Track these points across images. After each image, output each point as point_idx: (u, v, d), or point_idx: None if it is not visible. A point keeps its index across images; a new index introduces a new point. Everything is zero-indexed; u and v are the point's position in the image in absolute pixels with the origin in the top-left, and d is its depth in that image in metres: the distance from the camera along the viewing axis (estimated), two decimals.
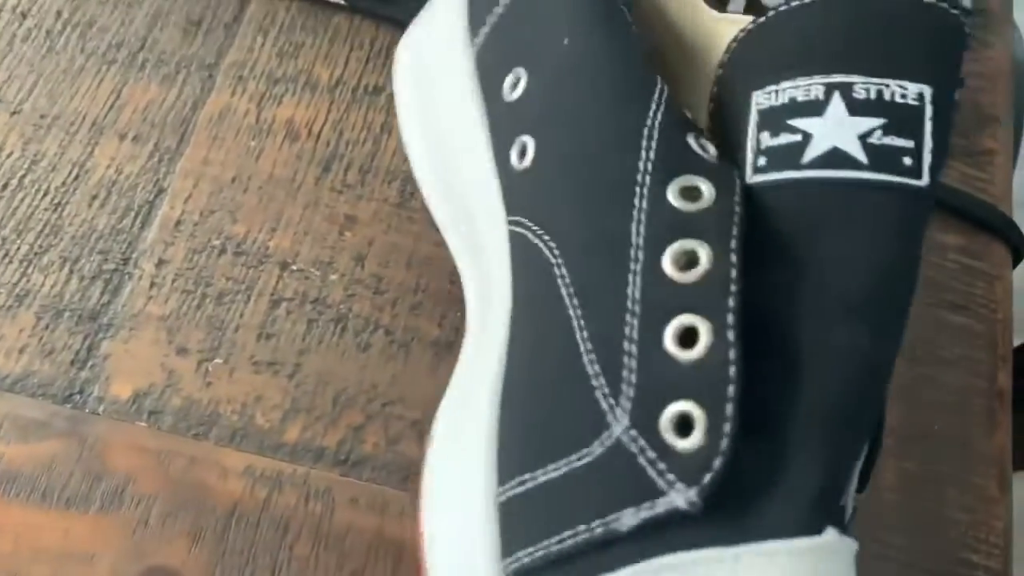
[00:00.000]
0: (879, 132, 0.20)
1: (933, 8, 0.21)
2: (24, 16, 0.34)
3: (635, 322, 0.20)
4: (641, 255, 0.21)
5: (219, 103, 0.32)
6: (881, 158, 0.20)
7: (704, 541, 0.19)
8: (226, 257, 0.30)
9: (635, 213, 0.21)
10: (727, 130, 0.23)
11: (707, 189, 0.21)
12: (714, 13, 0.26)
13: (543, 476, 0.21)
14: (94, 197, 0.31)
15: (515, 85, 0.25)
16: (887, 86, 0.21)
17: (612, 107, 0.23)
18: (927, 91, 0.21)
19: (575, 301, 0.22)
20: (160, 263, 0.30)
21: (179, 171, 0.31)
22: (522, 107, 0.24)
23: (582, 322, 0.21)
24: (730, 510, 0.19)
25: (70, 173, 0.31)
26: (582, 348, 0.21)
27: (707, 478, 0.19)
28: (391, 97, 0.33)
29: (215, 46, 0.34)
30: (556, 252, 0.22)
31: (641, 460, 0.20)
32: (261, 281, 0.30)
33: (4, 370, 0.28)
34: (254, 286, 0.30)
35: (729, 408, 0.19)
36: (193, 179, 0.31)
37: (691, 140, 0.22)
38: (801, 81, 0.21)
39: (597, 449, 0.20)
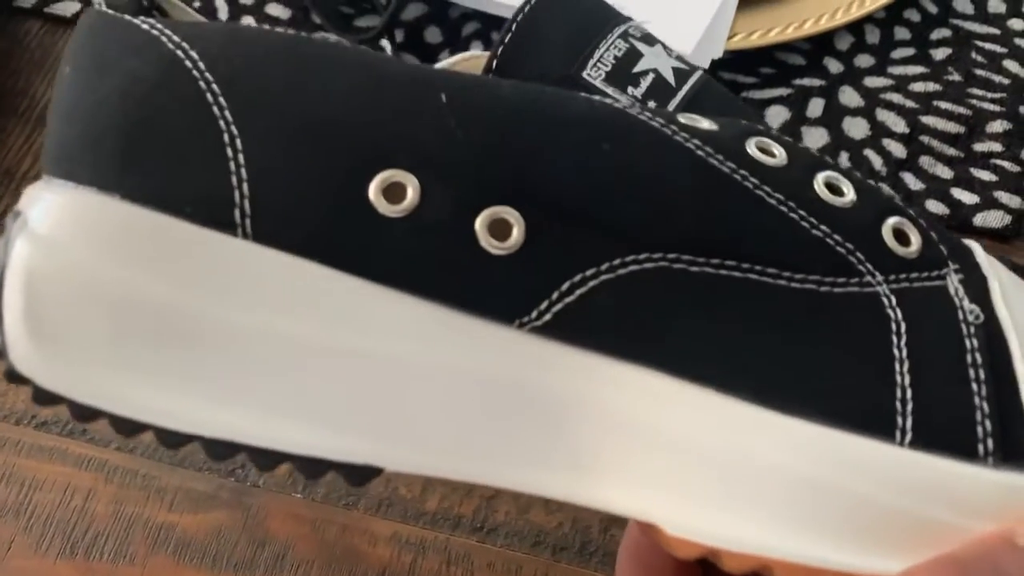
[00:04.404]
0: (667, 50, 0.26)
1: None
2: None
3: (795, 212, 0.22)
4: (740, 173, 0.22)
5: None
6: (686, 64, 0.26)
7: (972, 280, 0.23)
8: None
9: (697, 152, 0.22)
10: None
11: (693, 116, 0.24)
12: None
13: (900, 382, 0.21)
14: None
15: (398, 193, 0.20)
16: (633, 25, 0.26)
17: (585, 107, 0.22)
18: (633, 19, 0.26)
19: (730, 263, 0.21)
20: None
21: None
22: (441, 204, 0.21)
23: (761, 267, 0.21)
24: None
25: None
26: (783, 281, 0.21)
27: (945, 248, 0.23)
28: None
29: None
30: (657, 256, 0.21)
31: (919, 283, 0.22)
32: None
33: None
34: None
35: (901, 203, 0.23)
36: None
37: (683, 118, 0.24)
38: (603, 46, 0.25)
39: (897, 313, 0.21)
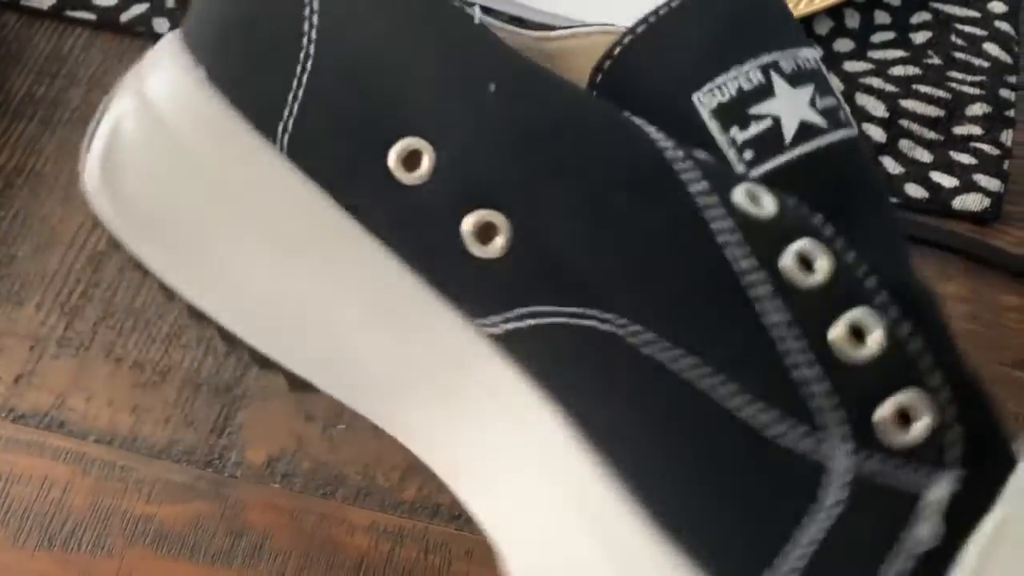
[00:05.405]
0: (817, 97, 0.22)
1: None
2: None
3: (797, 346, 0.19)
4: (757, 276, 0.19)
5: None
6: (830, 119, 0.22)
7: (977, 501, 0.18)
8: None
9: (720, 238, 0.19)
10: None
11: (759, 190, 0.20)
12: (531, 32, 0.25)
13: (788, 565, 0.18)
14: None
15: (414, 162, 0.21)
16: (797, 56, 0.22)
17: (623, 150, 0.20)
18: (815, 53, 0.23)
19: (689, 361, 0.19)
20: None
21: None
22: (443, 186, 0.21)
23: (719, 378, 0.19)
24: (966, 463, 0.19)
25: None
26: (737, 405, 0.19)
27: (960, 449, 0.18)
28: None
29: None
30: (620, 322, 0.20)
31: (888, 479, 0.18)
32: None
33: (152, 439, 0.31)
34: None
35: (937, 376, 0.19)
36: None
37: (695, 150, 0.21)
38: (735, 71, 0.21)
39: (837, 494, 0.18)
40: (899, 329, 0.19)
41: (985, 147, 0.38)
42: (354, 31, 0.22)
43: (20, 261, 0.35)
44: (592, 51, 0.23)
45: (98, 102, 0.38)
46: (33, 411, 0.32)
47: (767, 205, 0.20)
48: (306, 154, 0.22)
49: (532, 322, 0.21)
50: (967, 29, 0.41)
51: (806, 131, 0.21)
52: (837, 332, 0.19)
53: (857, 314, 0.19)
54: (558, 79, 0.22)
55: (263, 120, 0.22)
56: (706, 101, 0.21)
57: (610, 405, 0.20)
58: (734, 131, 0.21)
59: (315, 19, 0.22)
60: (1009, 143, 0.38)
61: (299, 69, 0.22)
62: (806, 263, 0.19)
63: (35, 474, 0.31)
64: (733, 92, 0.21)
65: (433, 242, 0.21)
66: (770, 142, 0.21)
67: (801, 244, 0.19)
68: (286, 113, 0.22)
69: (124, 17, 0.40)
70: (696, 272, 0.20)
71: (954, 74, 0.40)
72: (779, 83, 0.21)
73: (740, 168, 0.21)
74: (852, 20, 0.42)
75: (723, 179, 0.20)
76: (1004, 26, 0.41)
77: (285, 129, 0.22)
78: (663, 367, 0.20)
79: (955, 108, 0.39)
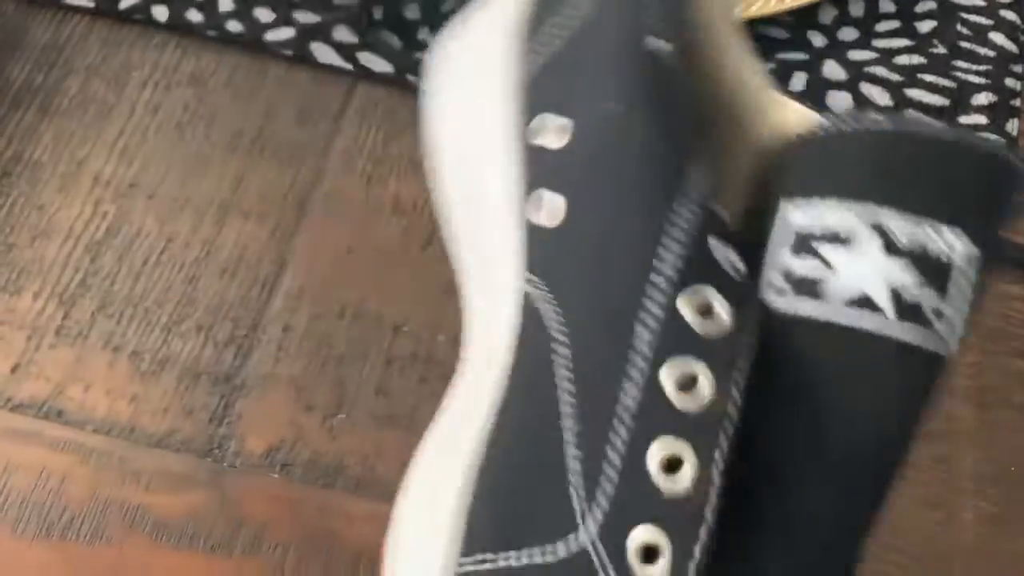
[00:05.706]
0: (908, 282, 0.19)
1: (991, 155, 0.20)
2: (155, 111, 0.38)
3: (623, 433, 0.20)
4: (641, 363, 0.20)
5: (332, 184, 0.36)
6: (909, 313, 0.19)
7: None
8: (344, 322, 0.33)
9: (644, 316, 0.20)
10: (760, 222, 0.22)
11: (724, 311, 0.19)
12: (775, 93, 0.26)
13: (503, 561, 0.20)
14: (224, 270, 0.34)
15: (544, 131, 0.24)
16: (927, 234, 0.19)
17: (642, 195, 0.21)
18: (963, 243, 0.19)
19: (571, 388, 0.21)
20: (286, 328, 0.33)
21: (298, 245, 0.35)
22: (560, 159, 0.24)
23: (572, 410, 0.21)
24: None
25: (202, 249, 0.35)
26: (567, 438, 0.21)
27: None
28: None
29: (325, 133, 0.37)
30: (565, 330, 0.22)
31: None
32: (376, 342, 0.33)
33: (150, 428, 0.31)
34: (370, 347, 0.33)
35: (697, 550, 0.18)
36: (311, 252, 0.34)
37: (716, 244, 0.20)
38: (840, 204, 0.19)
39: (561, 550, 0.20)
40: (708, 470, 0.19)
41: (991, 137, 0.38)
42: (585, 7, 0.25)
43: (17, 250, 0.35)
44: (784, 123, 0.24)
45: (96, 91, 0.38)
46: (31, 401, 0.32)
47: (719, 319, 0.19)
48: (527, 95, 0.25)
49: (528, 289, 0.23)
50: (972, 18, 0.41)
51: (857, 301, 0.19)
52: (656, 458, 0.19)
53: (677, 446, 0.19)
54: (661, 130, 0.22)
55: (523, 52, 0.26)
56: (789, 211, 0.20)
57: (515, 389, 0.23)
58: (785, 253, 0.20)
59: None
60: (1015, 132, 0.38)
61: (556, 34, 0.25)
62: (689, 383, 0.20)
63: (33, 464, 0.31)
64: (819, 221, 0.19)
65: (528, 196, 0.24)
66: (807, 287, 0.19)
67: (700, 372, 0.19)
68: (531, 60, 0.25)
69: (122, 4, 0.40)
70: (608, 333, 0.21)
71: (960, 63, 0.40)
72: (871, 243, 0.19)
73: (765, 290, 0.20)
74: (856, 8, 0.41)
75: (687, 274, 0.20)
76: (1010, 15, 0.41)
77: (530, 72, 0.25)
78: (556, 387, 0.21)
79: (961, 97, 0.39)
